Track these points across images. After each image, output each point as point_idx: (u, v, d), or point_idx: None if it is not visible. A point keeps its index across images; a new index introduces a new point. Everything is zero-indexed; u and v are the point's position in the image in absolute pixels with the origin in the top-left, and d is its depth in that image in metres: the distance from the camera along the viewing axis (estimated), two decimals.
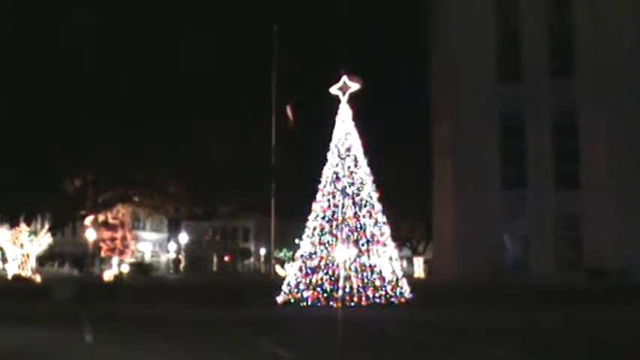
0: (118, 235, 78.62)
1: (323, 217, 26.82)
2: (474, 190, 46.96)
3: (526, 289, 35.18)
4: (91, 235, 62.37)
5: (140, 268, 79.91)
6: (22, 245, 47.12)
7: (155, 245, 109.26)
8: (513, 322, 20.92)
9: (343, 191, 26.79)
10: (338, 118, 27.90)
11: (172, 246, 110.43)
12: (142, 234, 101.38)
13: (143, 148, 43.36)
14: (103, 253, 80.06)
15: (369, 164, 27.68)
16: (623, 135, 44.81)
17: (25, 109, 40.09)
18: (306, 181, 31.10)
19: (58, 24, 40.89)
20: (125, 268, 71.00)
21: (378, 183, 27.75)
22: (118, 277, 59.57)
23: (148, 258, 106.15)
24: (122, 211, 58.50)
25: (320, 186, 27.40)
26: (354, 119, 27.88)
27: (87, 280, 52.35)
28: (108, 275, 62.78)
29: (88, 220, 59.91)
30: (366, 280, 25.84)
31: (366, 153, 27.74)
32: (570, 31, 47.48)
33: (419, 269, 72.94)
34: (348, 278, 25.54)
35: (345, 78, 27.63)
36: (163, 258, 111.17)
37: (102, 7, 41.36)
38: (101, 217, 62.72)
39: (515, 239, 48.42)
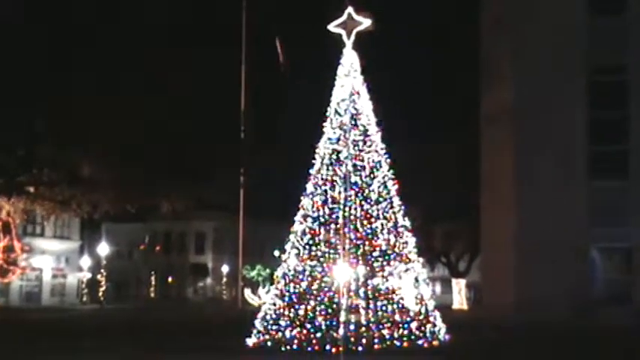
0: (0, 244, 79.00)
1: (316, 219, 27.16)
2: (545, 180, 47.23)
3: (628, 331, 35.14)
4: None
5: None
6: None
7: (60, 260, 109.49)
8: None
9: (346, 180, 27.13)
10: (340, 71, 28.25)
11: (87, 261, 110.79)
12: (40, 243, 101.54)
13: (37, 110, 43.89)
14: None
15: (385, 140, 27.99)
16: None
17: None
18: (291, 164, 31.55)
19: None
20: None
21: (398, 168, 28.11)
22: None
23: (48, 279, 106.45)
24: (8, 208, 58.93)
25: (312, 171, 27.73)
26: (364, 73, 28.22)
27: None
28: None
29: None
30: (380, 313, 26.26)
31: (381, 123, 28.05)
32: None
33: (459, 297, 73.61)
34: (353, 310, 25.99)
35: (350, 10, 27.99)
36: (72, 279, 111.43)
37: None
38: None
39: (612, 254, 48.72)
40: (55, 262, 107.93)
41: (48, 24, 43.15)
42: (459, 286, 74.67)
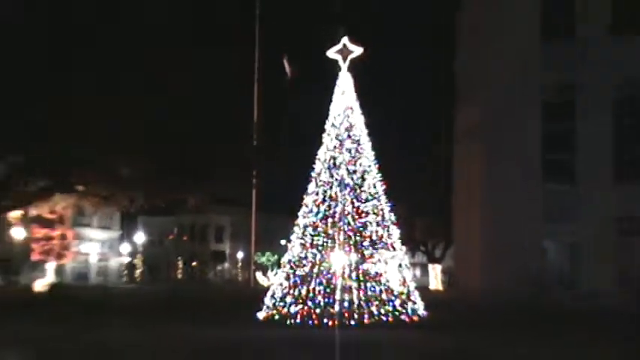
0: (56, 233, 78.67)
1: (317, 213, 27.04)
2: (507, 184, 47.02)
3: (574, 310, 35.17)
4: (18, 233, 62.39)
5: None
6: None
7: (104, 246, 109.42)
8: (549, 356, 20.47)
9: (341, 181, 27.00)
10: (336, 90, 28.09)
11: (126, 247, 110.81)
12: (88, 232, 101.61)
13: (88, 121, 43.52)
14: (34, 257, 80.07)
15: (375, 148, 27.88)
16: None
17: None
18: (296, 167, 31.36)
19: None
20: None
21: (386, 172, 27.98)
22: (54, 288, 59.77)
23: (94, 262, 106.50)
24: (61, 203, 58.59)
25: (313, 174, 27.62)
26: (357, 92, 28.08)
27: (10, 291, 52.50)
28: (41, 284, 62.91)
29: (15, 214, 60.01)
30: (369, 293, 26.10)
31: (371, 134, 27.94)
32: None
33: (435, 280, 73.38)
34: (347, 290, 25.79)
35: (345, 39, 27.84)
36: (114, 262, 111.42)
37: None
38: (33, 211, 62.83)
39: (562, 246, 48.57)
40: (100, 248, 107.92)
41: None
42: (435, 270, 74.50)
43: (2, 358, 18.12)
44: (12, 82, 40.78)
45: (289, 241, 27.66)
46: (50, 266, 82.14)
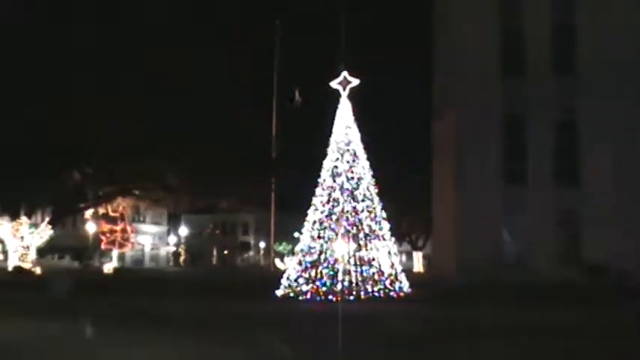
0: (118, 227, 78.75)
1: (322, 212, 26.85)
2: (474, 186, 46.88)
3: (524, 285, 35.12)
4: (91, 227, 62.54)
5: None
6: (22, 237, 47.22)
7: (155, 238, 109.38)
8: (509, 319, 20.82)
9: (342, 186, 26.80)
10: (338, 113, 27.92)
11: (172, 239, 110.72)
12: (142, 227, 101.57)
13: (143, 142, 43.34)
14: (103, 246, 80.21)
15: (369, 159, 27.70)
16: (624, 133, 44.83)
17: (26, 103, 40.11)
18: (306, 175, 31.14)
19: (60, 21, 40.97)
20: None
21: (378, 178, 27.78)
22: (117, 270, 59.75)
23: (148, 250, 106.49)
24: (122, 204, 58.56)
25: (320, 180, 27.44)
26: (354, 114, 27.93)
27: (86, 273, 52.55)
28: (108, 268, 62.99)
29: (88, 212, 60.09)
30: (365, 274, 25.90)
31: (366, 148, 27.75)
32: (573, 28, 47.36)
33: (418, 264, 73.11)
34: (347, 272, 25.57)
35: (345, 73, 27.69)
36: (163, 251, 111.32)
37: (110, 7, 41.53)
38: (101, 210, 62.83)
39: (515, 235, 48.37)
40: (152, 239, 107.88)
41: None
42: (417, 256, 74.35)
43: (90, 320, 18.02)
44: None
45: (301, 233, 27.52)
46: (114, 253, 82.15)
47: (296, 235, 29.03)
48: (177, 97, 42.39)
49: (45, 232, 48.78)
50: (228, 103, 43.63)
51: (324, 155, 27.68)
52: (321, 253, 26.33)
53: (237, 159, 44.08)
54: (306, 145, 42.08)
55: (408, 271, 34.56)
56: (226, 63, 44.38)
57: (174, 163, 45.56)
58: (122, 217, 76.38)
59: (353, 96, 27.98)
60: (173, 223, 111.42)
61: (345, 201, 26.70)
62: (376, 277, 26.05)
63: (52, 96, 40.35)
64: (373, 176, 27.54)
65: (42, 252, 61.13)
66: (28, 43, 40.30)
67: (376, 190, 27.39)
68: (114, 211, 67.68)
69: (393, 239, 28.24)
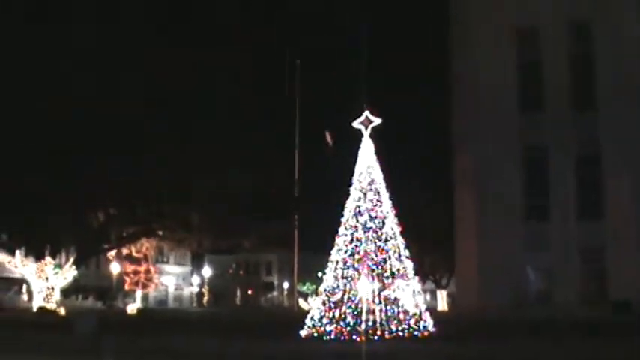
0: (142, 268, 79.01)
1: (345, 251, 26.77)
2: (496, 222, 46.71)
3: (549, 321, 34.74)
4: (115, 268, 62.76)
5: None
6: (47, 278, 47.53)
7: (179, 278, 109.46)
8: (532, 355, 20.59)
9: (365, 225, 26.77)
10: (360, 152, 27.99)
11: (196, 279, 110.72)
12: (166, 267, 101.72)
13: (166, 183, 43.67)
14: (126, 286, 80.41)
15: (392, 198, 27.65)
16: None
17: (49, 145, 40.59)
18: (329, 214, 31.11)
19: (87, 58, 41.37)
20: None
21: (401, 216, 27.72)
22: (141, 311, 59.74)
23: (171, 291, 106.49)
24: (146, 245, 58.88)
25: (343, 219, 27.40)
26: (376, 153, 27.95)
27: (110, 313, 52.60)
28: (131, 308, 63.05)
29: (112, 253, 60.37)
30: (389, 313, 25.73)
31: (389, 186, 27.73)
32: (592, 61, 47.42)
33: (442, 302, 72.60)
34: (371, 312, 25.44)
35: (367, 112, 27.79)
36: (187, 291, 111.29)
37: (122, 35, 41.77)
38: (125, 251, 63.10)
39: (539, 271, 48.04)
40: (176, 280, 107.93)
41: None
42: (442, 294, 73.88)
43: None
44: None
45: (324, 273, 27.41)
46: (138, 294, 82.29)
47: (319, 274, 28.90)
48: (201, 136, 42.73)
49: (69, 273, 49.08)
50: (251, 142, 43.95)
51: (347, 194, 27.69)
52: (344, 292, 26.20)
53: (260, 198, 44.27)
54: (328, 185, 42.16)
55: (432, 309, 34.33)
56: (244, 100, 44.80)
57: (196, 204, 45.82)
58: (146, 258, 76.63)
59: (374, 133, 28.05)
60: (196, 263, 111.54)
61: (369, 239, 26.64)
62: (401, 316, 25.85)
63: (75, 141, 40.83)
64: (396, 215, 27.48)
65: (66, 292, 61.40)
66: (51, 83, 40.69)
67: (399, 229, 27.31)
68: (137, 251, 67.94)
69: (417, 278, 28.10)
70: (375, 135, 28.14)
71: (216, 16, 45.63)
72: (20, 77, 39.86)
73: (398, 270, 26.51)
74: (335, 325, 25.74)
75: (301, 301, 60.32)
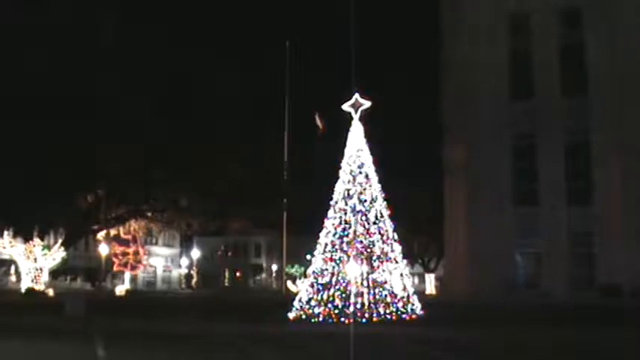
0: (131, 249, 78.79)
1: (334, 234, 26.74)
2: (486, 208, 46.86)
3: (538, 306, 34.89)
4: (103, 249, 62.66)
5: None
6: (35, 259, 47.38)
7: (167, 260, 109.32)
8: (523, 340, 20.62)
9: (354, 208, 26.74)
10: (350, 135, 27.92)
11: (184, 261, 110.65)
12: (155, 249, 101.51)
13: (156, 164, 43.60)
14: (115, 268, 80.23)
15: (381, 181, 27.62)
16: (635, 151, 44.70)
17: (41, 128, 40.41)
18: (318, 197, 31.07)
19: (79, 48, 41.23)
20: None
21: (390, 200, 27.69)
22: (130, 293, 59.72)
23: (160, 272, 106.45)
24: (134, 226, 58.75)
25: (332, 202, 27.37)
26: (365, 137, 27.89)
27: (99, 295, 52.54)
28: (120, 290, 63.00)
29: (101, 234, 60.21)
30: (377, 297, 25.75)
31: (378, 170, 27.68)
32: (582, 48, 47.45)
33: (430, 286, 72.73)
34: (359, 294, 25.46)
35: (357, 95, 27.68)
36: (175, 273, 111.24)
37: (123, 32, 41.81)
38: (113, 232, 62.95)
39: (528, 256, 48.25)
40: (164, 261, 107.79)
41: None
42: (430, 278, 74.01)
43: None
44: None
45: (313, 255, 27.36)
46: (126, 276, 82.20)
47: (308, 257, 28.85)
48: (190, 119, 42.74)
49: (58, 254, 48.94)
50: (241, 126, 43.88)
51: (337, 178, 27.64)
52: (333, 275, 26.20)
53: (250, 182, 44.25)
54: (318, 168, 42.10)
55: (420, 293, 34.40)
56: (236, 86, 44.73)
57: (186, 186, 45.76)
58: (134, 239, 76.44)
59: (364, 118, 27.96)
60: (185, 245, 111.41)
61: (357, 223, 26.60)
62: (388, 299, 25.87)
63: (67, 122, 40.68)
64: (384, 198, 27.44)
65: (54, 274, 61.27)
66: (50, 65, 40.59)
67: (388, 212, 27.29)
68: (126, 233, 67.79)
69: (405, 261, 28.11)
70: (366, 121, 28.08)
71: None
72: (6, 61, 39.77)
73: (386, 253, 26.53)
74: (323, 308, 25.75)
75: (290, 284, 60.31)
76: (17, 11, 40.06)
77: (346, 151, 27.83)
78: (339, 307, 25.49)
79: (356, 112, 27.85)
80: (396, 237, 27.22)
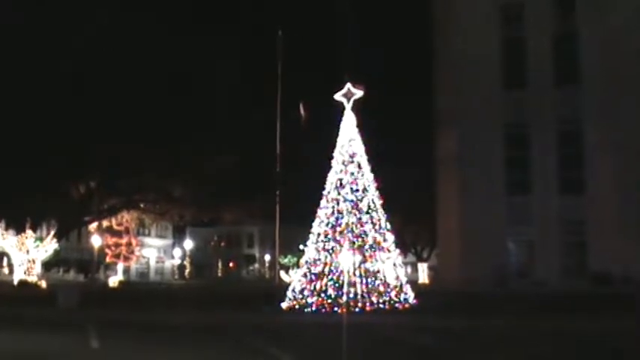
0: (123, 241, 78.78)
1: (327, 224, 26.81)
2: (478, 197, 46.98)
3: (530, 295, 35.05)
4: (96, 241, 62.63)
5: None
6: (27, 251, 47.32)
7: (160, 251, 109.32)
8: (516, 329, 20.77)
9: (346, 198, 26.80)
10: (342, 125, 27.95)
11: (177, 252, 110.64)
12: (147, 240, 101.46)
13: (148, 155, 43.51)
14: (108, 259, 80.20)
15: (373, 171, 27.68)
16: (627, 141, 44.84)
17: (33, 116, 40.28)
18: (311, 187, 31.11)
19: (72, 33, 41.07)
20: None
21: (382, 190, 27.76)
22: (123, 284, 59.75)
23: (153, 263, 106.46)
24: (127, 217, 58.70)
25: (324, 192, 27.42)
26: (358, 126, 27.93)
27: (92, 286, 52.56)
28: (113, 281, 62.99)
29: (93, 226, 60.16)
30: (370, 286, 25.86)
31: (370, 160, 27.73)
32: (575, 39, 47.49)
33: (423, 275, 72.99)
34: (352, 284, 25.55)
35: (349, 85, 27.70)
36: (168, 264, 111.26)
37: (116, 18, 41.61)
38: (106, 223, 62.89)
39: (520, 245, 48.41)
40: (157, 252, 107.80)
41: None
42: (423, 267, 74.25)
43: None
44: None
45: (306, 245, 27.43)
46: (119, 267, 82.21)
47: (301, 247, 28.93)
48: (182, 109, 42.64)
49: (50, 246, 48.88)
50: (233, 114, 43.85)
51: (329, 167, 27.68)
52: (326, 265, 26.29)
53: (242, 172, 44.23)
54: (310, 157, 42.09)
55: (413, 282, 34.54)
56: (227, 74, 44.62)
57: (178, 176, 45.72)
58: (127, 231, 76.44)
59: (357, 108, 27.99)
60: (178, 236, 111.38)
61: (350, 213, 26.67)
62: (381, 288, 25.99)
63: (58, 112, 40.56)
64: (377, 188, 27.51)
65: (47, 265, 61.23)
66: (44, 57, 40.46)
67: (380, 202, 27.36)
68: (118, 224, 67.77)
69: (398, 251, 28.21)
70: (359, 111, 28.12)
71: None
72: None
73: (379, 242, 26.63)
74: (316, 298, 25.87)
75: (283, 274, 60.46)
76: (17, 10, 40.03)
77: (338, 140, 27.88)
78: (332, 296, 25.61)
79: (348, 101, 27.90)
80: (388, 226, 27.32)
